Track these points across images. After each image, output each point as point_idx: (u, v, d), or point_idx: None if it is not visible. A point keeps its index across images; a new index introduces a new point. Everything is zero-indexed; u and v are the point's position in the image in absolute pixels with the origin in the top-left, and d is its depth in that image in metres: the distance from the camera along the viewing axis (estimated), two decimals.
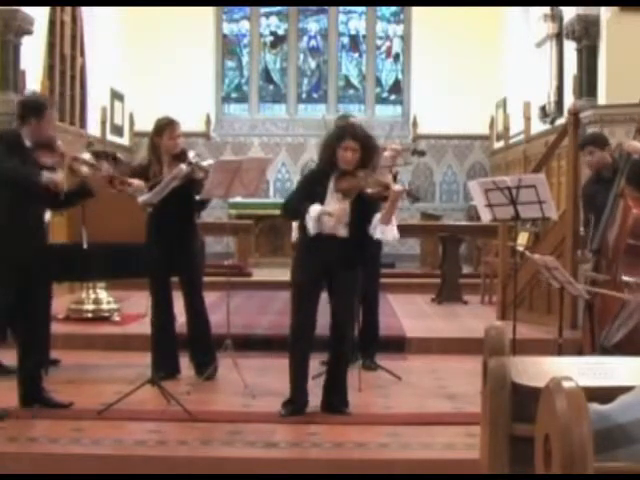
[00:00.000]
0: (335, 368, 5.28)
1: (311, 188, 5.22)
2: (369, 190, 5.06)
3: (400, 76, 15.74)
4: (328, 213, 5.05)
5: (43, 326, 5.36)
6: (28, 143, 5.14)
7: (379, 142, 5.68)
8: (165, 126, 6.10)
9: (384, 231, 5.10)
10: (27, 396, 5.17)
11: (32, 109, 5.18)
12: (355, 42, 15.89)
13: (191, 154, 6.18)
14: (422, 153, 5.20)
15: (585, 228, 6.25)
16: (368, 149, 5.16)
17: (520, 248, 7.97)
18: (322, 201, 5.12)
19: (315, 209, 5.05)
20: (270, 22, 15.84)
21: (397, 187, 5.12)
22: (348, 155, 5.10)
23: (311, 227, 5.06)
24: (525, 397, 2.73)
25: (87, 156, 5.52)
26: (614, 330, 4.98)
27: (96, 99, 12.79)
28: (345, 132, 5.20)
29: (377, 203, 5.11)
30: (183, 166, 6.05)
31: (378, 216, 5.08)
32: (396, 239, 5.23)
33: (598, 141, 6.30)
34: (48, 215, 7.27)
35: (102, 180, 5.34)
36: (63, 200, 5.39)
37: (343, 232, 5.15)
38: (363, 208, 5.12)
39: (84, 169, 5.25)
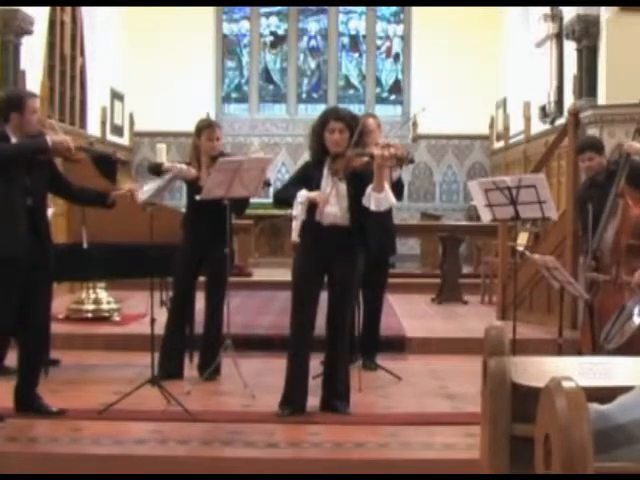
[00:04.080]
0: (333, 361, 5.25)
1: (304, 176, 5.23)
2: (355, 164, 5.06)
3: (400, 76, 15.74)
4: (312, 198, 5.05)
5: (43, 330, 5.28)
6: (15, 139, 4.97)
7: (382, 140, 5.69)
8: (203, 128, 6.18)
9: (378, 200, 4.99)
10: (22, 402, 5.13)
11: (11, 104, 4.99)
12: (355, 42, 15.90)
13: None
14: (412, 161, 5.18)
15: (584, 234, 6.23)
16: (354, 127, 5.14)
17: (520, 248, 7.97)
18: (318, 187, 5.13)
19: (302, 194, 5.07)
20: (270, 22, 15.85)
21: (380, 151, 5.03)
22: (335, 136, 5.10)
23: (299, 211, 5.07)
24: (525, 397, 2.73)
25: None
26: (614, 332, 4.98)
27: (96, 99, 12.80)
28: (328, 115, 5.22)
29: (368, 175, 5.04)
30: (183, 166, 6.06)
31: (370, 188, 5.03)
32: (393, 205, 5.18)
33: (598, 146, 6.28)
34: (49, 214, 7.29)
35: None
36: (79, 193, 5.36)
37: (344, 221, 5.15)
38: (357, 186, 5.09)
39: (81, 155, 5.24)
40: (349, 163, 5.05)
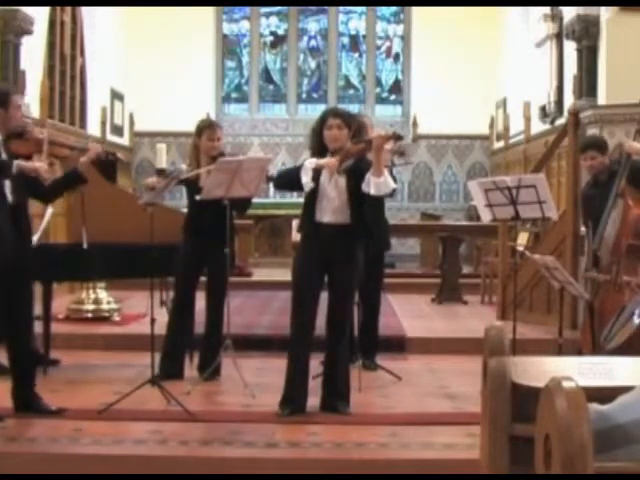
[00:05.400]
0: (333, 361, 5.24)
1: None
2: (353, 150, 5.07)
3: (400, 76, 15.75)
4: (322, 164, 5.06)
5: (28, 329, 5.22)
6: None
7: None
8: (204, 128, 6.18)
9: (378, 185, 4.99)
10: (22, 403, 5.12)
11: None
12: (355, 42, 15.90)
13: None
14: (402, 153, 5.19)
15: (586, 232, 6.23)
16: (352, 124, 5.16)
17: (520, 248, 7.97)
18: (317, 182, 5.12)
19: (312, 160, 5.09)
20: (270, 22, 15.85)
21: (376, 133, 5.06)
22: (334, 132, 5.12)
23: (308, 180, 5.07)
24: (525, 397, 2.73)
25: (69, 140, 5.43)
26: (614, 332, 4.98)
27: (96, 99, 12.80)
28: (327, 113, 5.29)
29: (366, 167, 5.05)
30: (183, 166, 6.07)
31: (369, 173, 5.03)
32: (392, 188, 5.14)
33: (601, 145, 6.27)
34: (49, 214, 7.30)
35: (89, 160, 5.25)
36: (50, 189, 5.31)
37: (343, 218, 5.14)
38: (356, 179, 5.08)
39: (65, 152, 5.17)
40: (348, 152, 5.07)
